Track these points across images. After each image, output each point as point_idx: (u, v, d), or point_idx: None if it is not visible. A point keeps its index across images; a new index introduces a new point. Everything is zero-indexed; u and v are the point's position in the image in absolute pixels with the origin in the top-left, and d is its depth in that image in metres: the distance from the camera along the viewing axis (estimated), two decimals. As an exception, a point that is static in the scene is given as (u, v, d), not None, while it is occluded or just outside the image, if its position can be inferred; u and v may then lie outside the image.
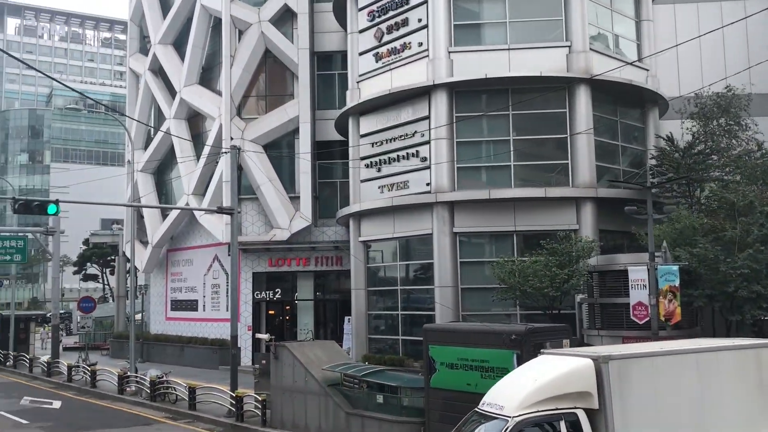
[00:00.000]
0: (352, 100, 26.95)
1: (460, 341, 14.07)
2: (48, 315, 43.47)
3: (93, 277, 70.49)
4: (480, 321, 21.16)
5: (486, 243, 23.97)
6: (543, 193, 22.71)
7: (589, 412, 9.32)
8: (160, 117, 37.60)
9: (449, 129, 23.67)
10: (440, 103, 23.77)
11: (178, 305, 35.57)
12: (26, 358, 35.01)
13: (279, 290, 31.13)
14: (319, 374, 17.42)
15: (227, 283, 31.88)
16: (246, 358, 30.70)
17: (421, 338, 24.39)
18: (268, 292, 31.11)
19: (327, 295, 31.43)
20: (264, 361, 19.89)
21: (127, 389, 25.35)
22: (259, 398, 18.92)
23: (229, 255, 31.50)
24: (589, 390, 9.36)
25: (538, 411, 9.09)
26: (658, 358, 9.98)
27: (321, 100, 31.51)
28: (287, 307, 31.98)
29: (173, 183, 36.29)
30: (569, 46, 23.68)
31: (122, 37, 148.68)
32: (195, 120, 34.68)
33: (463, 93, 24.09)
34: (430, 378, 14.61)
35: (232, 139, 30.27)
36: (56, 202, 18.34)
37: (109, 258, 68.66)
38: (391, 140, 25.40)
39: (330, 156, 30.75)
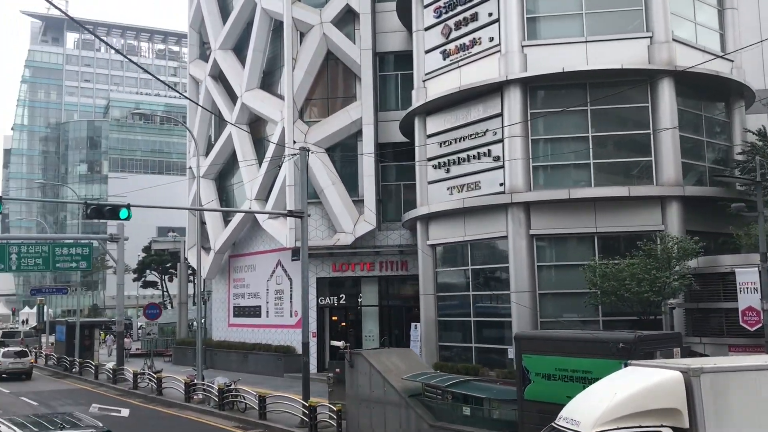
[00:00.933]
0: (418, 100, 26.14)
1: (558, 350, 13.06)
2: (112, 322, 43.80)
3: (152, 284, 71.23)
4: (562, 328, 20.07)
5: (564, 246, 22.78)
6: (626, 192, 21.45)
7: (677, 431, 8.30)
8: (221, 122, 37.47)
9: (524, 126, 22.63)
10: (514, 99, 22.75)
11: (240, 311, 35.26)
12: (92, 364, 35.16)
13: (343, 296, 30.46)
14: (398, 384, 16.59)
15: (291, 288, 31.41)
16: (311, 365, 30.06)
17: (497, 346, 23.70)
18: (332, 298, 30.47)
19: (392, 301, 30.61)
20: (338, 370, 19.16)
21: (194, 397, 24.97)
22: (335, 408, 18.20)
23: (293, 260, 31.11)
24: (678, 407, 8.35)
25: (617, 428, 8.15)
26: (765, 373, 8.73)
27: (383, 102, 30.80)
28: (351, 314, 31.26)
29: (234, 189, 36.06)
30: (650, 37, 22.39)
31: (175, 48, 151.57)
32: (256, 124, 34.39)
33: (537, 88, 23.04)
34: (524, 390, 13.63)
35: (294, 143, 29.79)
36: (128, 206, 17.99)
37: (167, 265, 69.33)
38: (460, 139, 24.48)
39: (393, 158, 29.98)
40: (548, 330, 15.91)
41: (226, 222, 35.76)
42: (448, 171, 24.85)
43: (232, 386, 22.98)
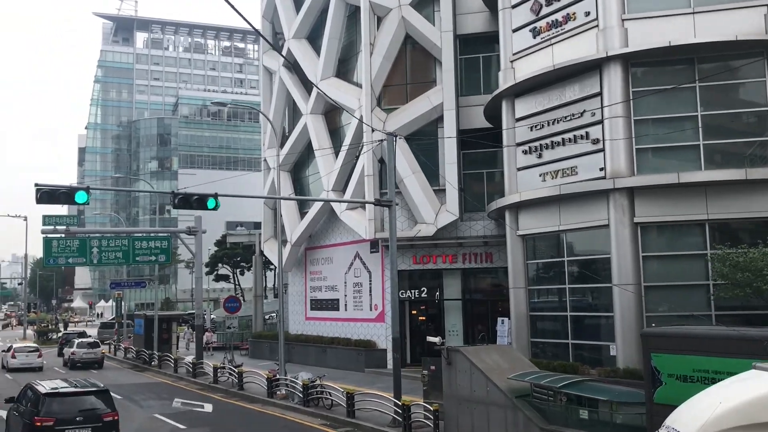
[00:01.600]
0: (505, 82, 24.73)
1: (696, 349, 11.60)
2: (188, 315, 43.88)
3: (224, 278, 71.80)
4: (671, 323, 18.44)
5: (672, 234, 21.03)
6: (743, 175, 19.57)
7: None
8: (295, 113, 36.88)
9: (625, 106, 20.97)
10: (614, 77, 21.11)
11: (317, 305, 34.59)
12: (170, 358, 35.16)
13: (424, 289, 29.32)
14: (502, 383, 15.37)
15: (370, 281, 30.50)
16: (392, 360, 29.10)
17: (596, 342, 22.16)
18: (412, 291, 29.39)
19: (475, 295, 29.32)
20: (433, 367, 18.07)
21: (277, 393, 24.34)
22: (431, 408, 17.12)
23: (372, 252, 30.18)
24: None
25: None
26: None
27: (464, 86, 29.46)
28: (432, 308, 30.12)
29: (310, 180, 35.39)
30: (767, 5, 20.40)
31: (241, 45, 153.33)
32: (332, 114, 33.60)
33: (639, 65, 21.31)
34: (654, 392, 12.22)
35: (373, 131, 28.81)
36: (215, 195, 17.30)
37: (239, 259, 69.67)
38: (553, 122, 22.96)
39: (476, 145, 28.64)
40: (682, 326, 14.39)
41: (302, 214, 35.13)
42: (540, 156, 23.39)
43: (317, 382, 22.21)
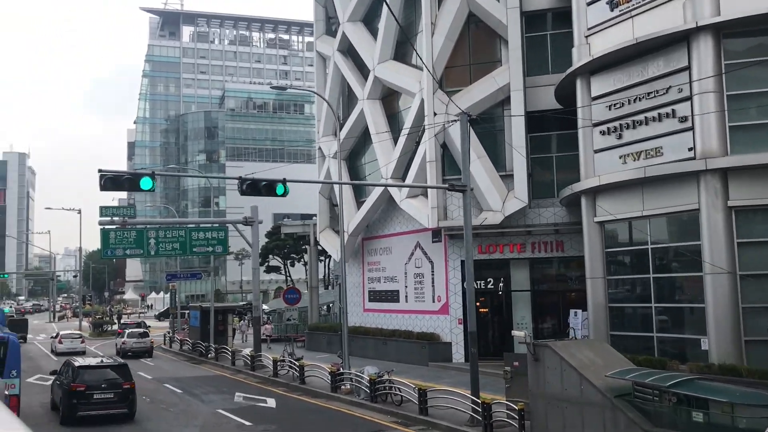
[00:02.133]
0: (580, 59, 23.23)
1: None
2: (243, 307, 43.44)
3: (275, 269, 71.57)
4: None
5: (770, 219, 19.38)
6: None
7: None
8: (350, 99, 35.85)
9: (717, 81, 19.32)
10: (704, 49, 19.47)
11: (376, 296, 33.59)
12: (227, 350, 34.63)
13: (490, 280, 28.05)
14: (598, 381, 14.07)
15: (432, 272, 29.36)
16: (458, 354, 27.99)
17: (686, 336, 20.61)
18: (478, 282, 28.10)
19: (545, 285, 27.91)
20: (516, 363, 16.83)
21: (342, 387, 23.40)
22: (515, 407, 15.91)
23: (434, 242, 29.00)
24: None
25: None
26: None
27: (529, 66, 27.97)
28: (497, 300, 28.82)
29: (367, 168, 34.34)
30: None
31: (285, 36, 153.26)
32: (390, 99, 32.46)
33: (733, 35, 19.62)
34: (788, 394, 10.81)
35: (435, 114, 27.60)
36: (283, 181, 16.34)
37: (288, 250, 69.31)
38: (635, 100, 21.40)
39: (544, 127, 27.20)
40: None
41: (359, 204, 34.14)
42: (620, 137, 21.86)
43: (385, 377, 21.17)
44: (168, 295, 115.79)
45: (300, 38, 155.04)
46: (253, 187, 15.99)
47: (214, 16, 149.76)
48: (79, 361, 20.32)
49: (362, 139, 34.42)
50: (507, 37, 27.23)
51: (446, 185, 19.45)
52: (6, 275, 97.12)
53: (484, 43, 28.65)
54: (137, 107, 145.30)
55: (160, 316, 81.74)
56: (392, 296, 31.96)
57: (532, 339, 15.97)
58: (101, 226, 30.01)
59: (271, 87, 28.46)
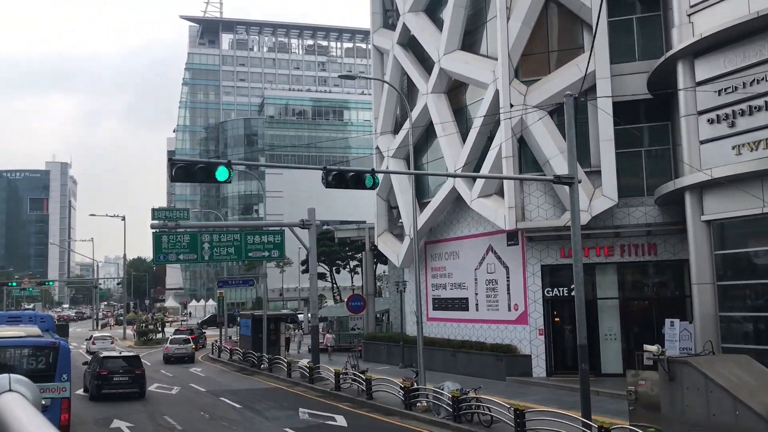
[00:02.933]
0: (681, 40, 20.85)
1: None
2: (295, 313, 41.56)
3: (321, 276, 69.65)
4: None
5: None
6: None
7: None
8: (411, 93, 33.81)
9: None
10: (842, 21, 17.01)
11: (441, 304, 31.38)
12: (283, 361, 32.79)
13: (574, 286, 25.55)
14: (759, 406, 11.72)
15: (507, 278, 27.06)
16: (539, 368, 25.63)
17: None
18: (560, 289, 25.75)
19: (635, 293, 25.41)
20: (642, 382, 14.53)
21: (418, 404, 21.25)
22: (646, 434, 13.60)
23: (509, 245, 26.72)
24: None
25: None
26: None
27: (613, 53, 25.55)
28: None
29: (430, 167, 32.20)
30: None
31: (323, 43, 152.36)
32: (456, 92, 30.34)
33: None
34: None
35: (512, 106, 25.39)
36: (372, 172, 14.32)
37: (334, 256, 67.44)
38: (751, 83, 18.97)
39: (631, 119, 24.78)
40: None
41: (422, 205, 32.02)
42: (732, 125, 19.41)
43: (470, 394, 18.98)
44: (209, 303, 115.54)
45: (338, 44, 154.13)
46: (340, 179, 14.01)
47: (253, 24, 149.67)
48: (104, 353, 26.87)
49: (425, 136, 32.35)
50: (590, 20, 24.93)
51: (551, 177, 17.20)
52: (51, 282, 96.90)
53: (564, 28, 26.39)
54: (177, 115, 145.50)
55: (203, 324, 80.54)
56: (460, 304, 29.71)
57: (664, 353, 13.67)
58: (153, 230, 28.41)
59: (339, 77, 26.44)
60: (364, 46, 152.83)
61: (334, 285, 68.70)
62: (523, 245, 26.16)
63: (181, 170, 12.56)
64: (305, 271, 70.82)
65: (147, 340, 56.23)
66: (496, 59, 26.55)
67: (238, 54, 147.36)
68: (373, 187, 14.71)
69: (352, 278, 71.72)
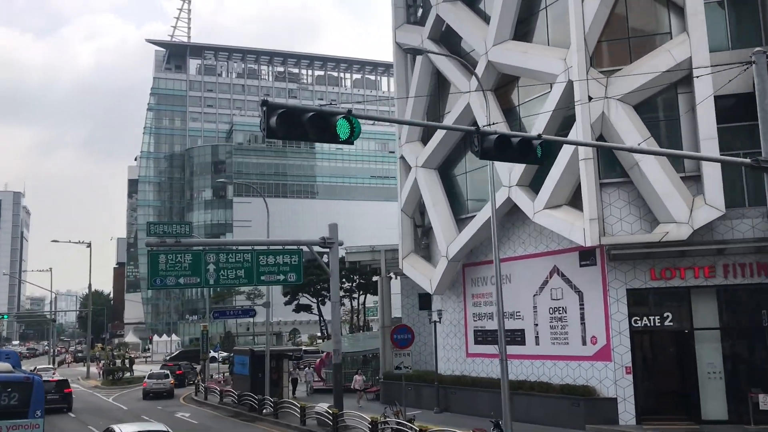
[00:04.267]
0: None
1: None
2: (299, 351, 36.40)
3: (305, 308, 64.39)
4: None
5: None
6: None
7: None
8: (441, 96, 29.62)
9: None
10: None
11: (485, 337, 26.80)
12: (294, 405, 27.71)
13: (668, 315, 21.35)
14: None
15: (581, 304, 22.73)
16: (627, 413, 21.16)
17: None
18: (652, 318, 21.45)
19: (743, 322, 21.23)
20: None
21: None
22: None
23: (583, 265, 22.40)
24: None
25: None
26: None
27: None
28: (674, 340, 22.16)
29: (471, 177, 27.89)
30: None
31: (294, 70, 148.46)
32: (506, 89, 26.22)
33: None
34: None
35: (590, 99, 21.34)
36: (541, 142, 9.81)
37: (320, 287, 62.33)
38: None
39: (730, 117, 20.96)
40: None
41: (460, 222, 27.65)
42: None
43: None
44: (172, 338, 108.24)
45: (309, 72, 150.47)
46: (501, 148, 9.54)
47: (222, 49, 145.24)
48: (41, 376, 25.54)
49: (461, 143, 28.10)
50: (681, 2, 21.21)
51: (750, 160, 12.97)
52: (6, 316, 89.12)
53: (648, 10, 22.57)
54: (141, 141, 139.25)
55: (172, 361, 74.11)
56: (513, 337, 25.18)
57: None
58: (149, 248, 23.38)
59: (406, 50, 21.97)
60: (335, 74, 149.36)
61: (321, 318, 63.50)
62: (603, 265, 21.88)
63: (281, 120, 7.99)
64: (288, 302, 65.57)
65: (116, 380, 50.09)
66: (563, 48, 22.58)
67: (206, 79, 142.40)
68: (540, 162, 10.24)
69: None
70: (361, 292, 63.34)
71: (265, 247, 25.54)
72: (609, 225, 21.58)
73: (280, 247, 25.76)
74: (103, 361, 56.52)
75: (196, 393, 40.54)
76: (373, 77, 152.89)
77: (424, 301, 34.89)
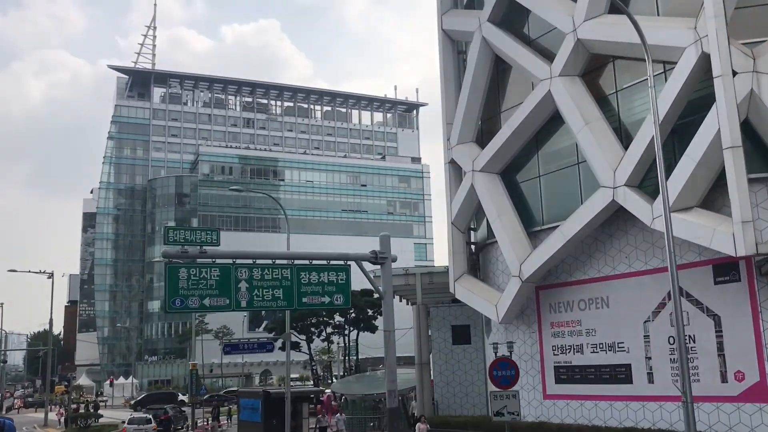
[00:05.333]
0: None
1: None
2: (321, 391, 30.87)
3: (294, 346, 58.45)
4: None
5: None
6: None
7: None
8: (501, 85, 25.26)
9: None
10: None
11: (572, 374, 21.99)
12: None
13: None
14: None
15: (718, 331, 18.18)
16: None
17: None
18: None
19: None
20: None
21: None
22: None
23: (719, 282, 17.96)
24: None
25: None
26: None
27: None
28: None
29: (545, 182, 23.43)
30: None
31: (263, 101, 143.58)
32: (597, 73, 21.97)
33: None
34: None
35: (735, 74, 17.20)
36: None
37: (309, 322, 56.76)
38: None
39: None
40: None
41: (533, 236, 23.08)
42: None
43: None
44: (128, 382, 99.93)
45: (278, 103, 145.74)
46: None
47: (188, 77, 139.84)
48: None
49: (534, 140, 23.71)
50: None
51: None
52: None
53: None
54: (101, 171, 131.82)
55: (137, 405, 66.96)
56: (614, 374, 20.48)
57: None
58: (167, 259, 18.11)
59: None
60: (305, 105, 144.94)
61: (310, 355, 57.70)
62: (752, 281, 17.49)
63: None
64: (274, 339, 59.47)
65: (83, 428, 43.34)
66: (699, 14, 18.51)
67: (170, 108, 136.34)
68: None
69: (328, 346, 61.15)
70: (352, 328, 58.08)
71: (306, 262, 20.41)
72: (758, 231, 17.24)
73: (325, 262, 20.65)
74: (64, 407, 49.58)
75: (185, 442, 34.68)
76: (343, 109, 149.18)
77: (459, 334, 30.12)
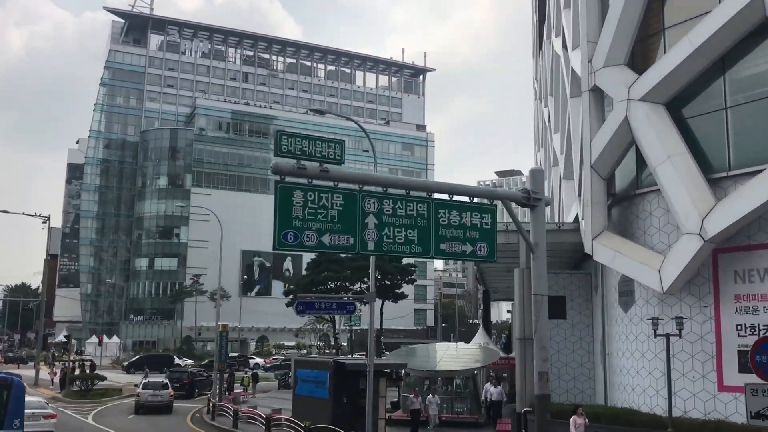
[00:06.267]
0: None
1: None
2: (403, 365, 25.66)
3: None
4: None
5: None
6: None
7: None
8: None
9: None
10: None
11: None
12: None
13: None
14: None
15: None
16: None
17: None
18: None
19: None
20: None
21: None
22: None
23: None
24: None
25: None
26: None
27: None
28: None
29: (733, 114, 18.25)
30: None
31: (265, 55, 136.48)
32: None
33: None
34: None
35: None
36: None
37: (334, 285, 51.54)
38: None
39: None
40: None
41: (716, 183, 17.97)
42: None
43: None
44: (112, 341, 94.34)
45: (281, 58, 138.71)
46: None
47: (187, 25, 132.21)
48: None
49: (720, 62, 18.48)
50: None
51: None
52: None
53: None
54: (91, 119, 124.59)
55: (130, 368, 61.77)
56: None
57: None
58: (278, 177, 12.65)
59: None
60: (308, 63, 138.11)
61: (334, 327, 52.68)
62: None
63: None
64: (289, 304, 53.95)
65: (84, 391, 37.98)
66: None
67: (167, 57, 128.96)
68: None
69: (350, 317, 56.18)
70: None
71: (445, 197, 15.12)
72: None
73: (467, 199, 15.40)
74: (61, 367, 44.13)
75: (210, 413, 29.50)
76: (348, 70, 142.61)
77: (553, 306, 25.13)
